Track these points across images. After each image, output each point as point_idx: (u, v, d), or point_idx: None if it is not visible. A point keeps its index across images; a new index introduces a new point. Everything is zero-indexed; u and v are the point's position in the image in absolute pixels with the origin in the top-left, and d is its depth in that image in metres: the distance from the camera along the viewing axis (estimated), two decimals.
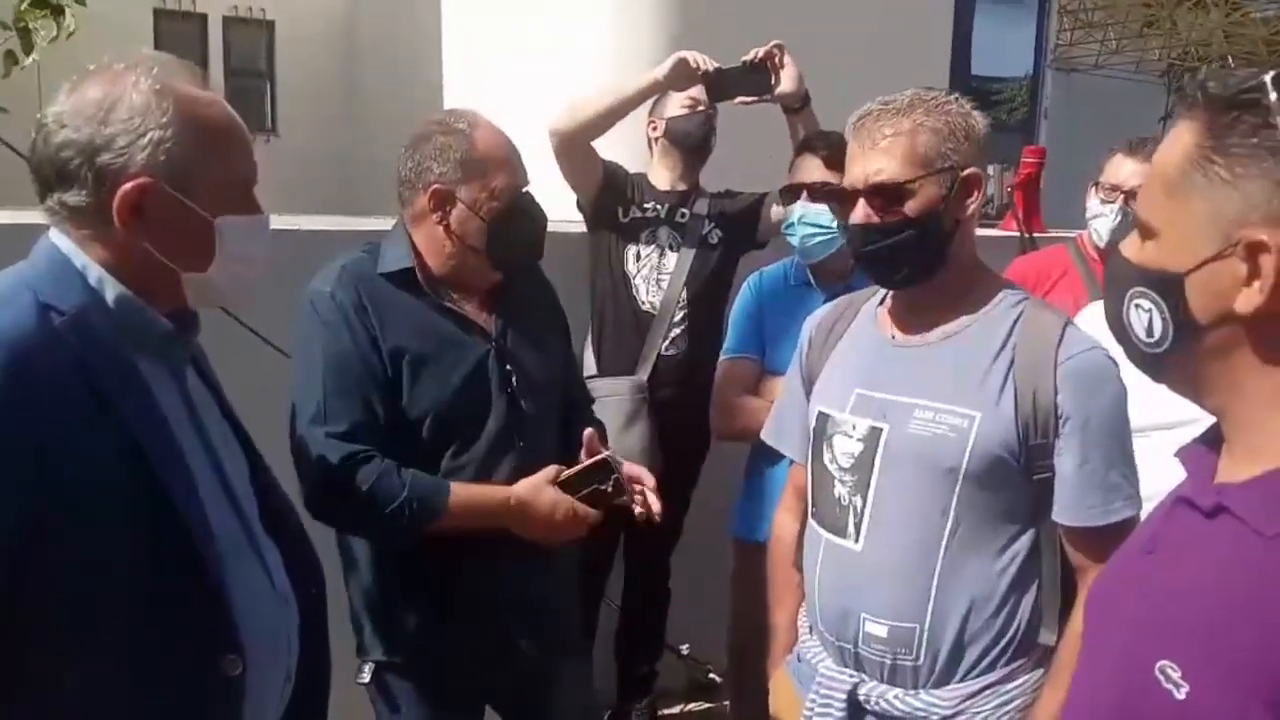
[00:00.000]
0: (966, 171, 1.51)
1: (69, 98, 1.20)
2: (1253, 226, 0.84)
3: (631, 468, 1.87)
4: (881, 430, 1.55)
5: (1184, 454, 0.99)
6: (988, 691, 1.52)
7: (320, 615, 1.43)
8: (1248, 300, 0.85)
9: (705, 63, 2.47)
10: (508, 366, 1.85)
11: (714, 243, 2.83)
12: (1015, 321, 1.54)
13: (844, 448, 1.59)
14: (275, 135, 11.60)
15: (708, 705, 3.25)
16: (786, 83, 2.52)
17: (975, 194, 1.53)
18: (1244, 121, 0.85)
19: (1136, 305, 0.93)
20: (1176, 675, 0.86)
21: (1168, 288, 0.90)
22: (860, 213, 1.54)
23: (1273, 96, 0.83)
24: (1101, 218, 2.73)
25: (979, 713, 1.52)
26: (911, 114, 1.51)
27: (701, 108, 2.78)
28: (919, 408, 1.52)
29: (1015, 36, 10.64)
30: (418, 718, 1.91)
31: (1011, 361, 1.50)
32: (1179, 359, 0.92)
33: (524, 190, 1.85)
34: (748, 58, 2.51)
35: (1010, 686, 1.52)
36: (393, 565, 1.86)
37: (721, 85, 2.50)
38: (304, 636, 1.37)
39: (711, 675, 3.35)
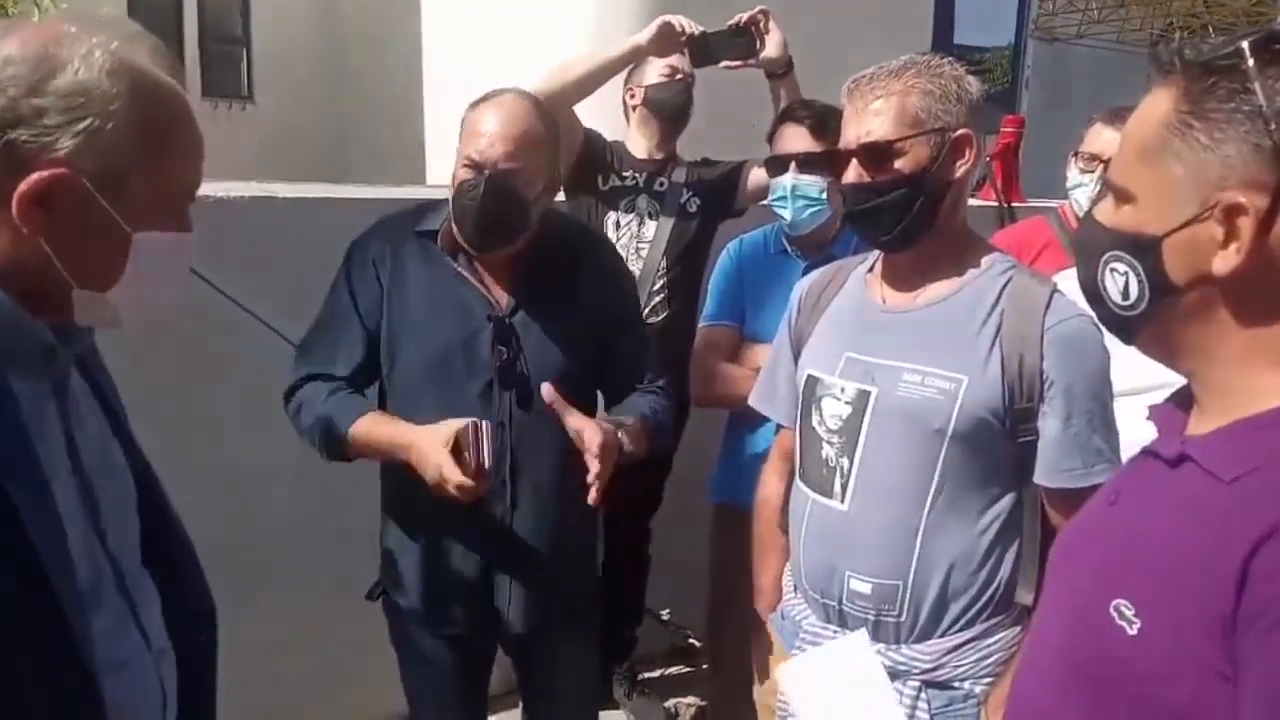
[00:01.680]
0: (958, 132, 1.52)
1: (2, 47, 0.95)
2: (1231, 190, 0.85)
3: (584, 431, 1.71)
4: (870, 393, 1.55)
5: (1155, 412, 1.01)
6: (967, 646, 1.56)
7: (207, 664, 1.26)
8: (1224, 261, 0.86)
9: (690, 26, 2.46)
10: (503, 345, 1.84)
11: (692, 211, 2.82)
12: (1003, 288, 1.54)
13: (832, 410, 1.62)
14: (252, 102, 11.46)
15: (687, 669, 3.29)
16: (771, 47, 2.52)
17: (967, 154, 1.55)
18: (1221, 86, 0.85)
19: (1112, 269, 0.94)
20: (1130, 613, 0.88)
21: (1145, 250, 0.90)
22: (852, 173, 1.57)
23: (1250, 61, 0.84)
24: (1081, 187, 2.75)
25: (959, 666, 1.56)
26: (903, 76, 1.53)
27: (680, 76, 2.77)
28: (907, 371, 1.54)
29: (998, 6, 10.62)
30: (420, 647, 1.98)
31: (999, 327, 1.52)
32: (1154, 321, 0.92)
33: (492, 169, 1.77)
34: (733, 21, 2.51)
35: (989, 641, 1.57)
36: (394, 496, 1.94)
37: (706, 48, 2.49)
38: (186, 687, 1.20)
39: (691, 640, 3.38)
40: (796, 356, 1.75)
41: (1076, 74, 12.55)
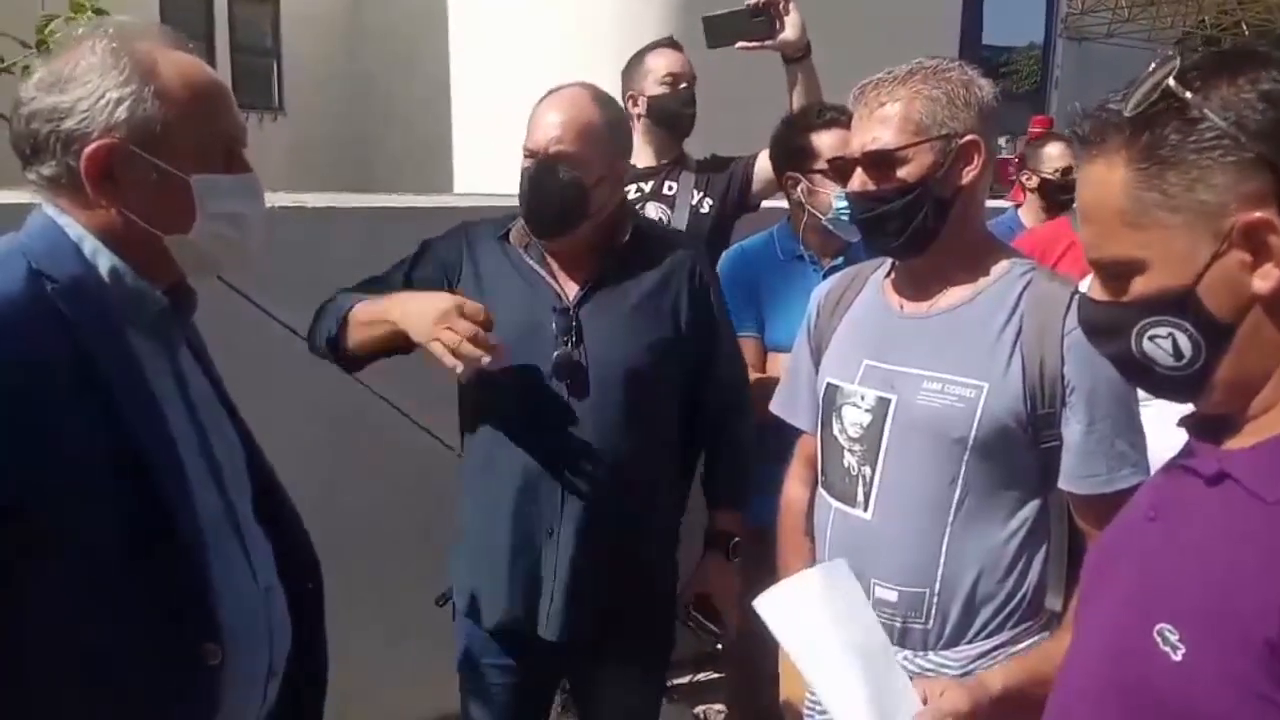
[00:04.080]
0: (964, 139, 1.50)
1: (39, 71, 1.18)
2: (1235, 212, 0.84)
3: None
4: (890, 401, 1.54)
5: (1186, 421, 0.99)
6: (996, 652, 1.54)
7: (315, 611, 1.39)
8: (1265, 279, 0.85)
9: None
10: (564, 336, 1.82)
11: (705, 212, 2.80)
12: (1022, 291, 1.52)
13: (853, 418, 1.60)
14: (282, 113, 11.59)
15: (716, 675, 3.28)
16: (789, 30, 2.46)
17: (974, 161, 1.53)
18: (1171, 129, 0.86)
19: (1153, 336, 0.91)
20: (1175, 638, 0.87)
21: (1182, 305, 0.88)
22: (857, 180, 1.57)
23: (1188, 95, 0.84)
24: None
25: (969, 681, 1.52)
26: (909, 82, 1.52)
27: (683, 84, 2.72)
28: (927, 379, 1.52)
29: (1026, 5, 10.55)
30: (483, 672, 1.97)
31: (1019, 331, 1.50)
32: (1221, 365, 0.90)
33: (541, 155, 1.81)
34: (751, 1, 2.46)
35: (1018, 648, 1.54)
36: (468, 507, 1.95)
37: (722, 29, 2.45)
38: (298, 632, 1.33)
39: (719, 645, 3.37)
40: (816, 363, 1.73)
41: (1106, 73, 12.42)
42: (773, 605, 1.50)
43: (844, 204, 2.24)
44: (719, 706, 3.13)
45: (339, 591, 2.41)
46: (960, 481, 1.50)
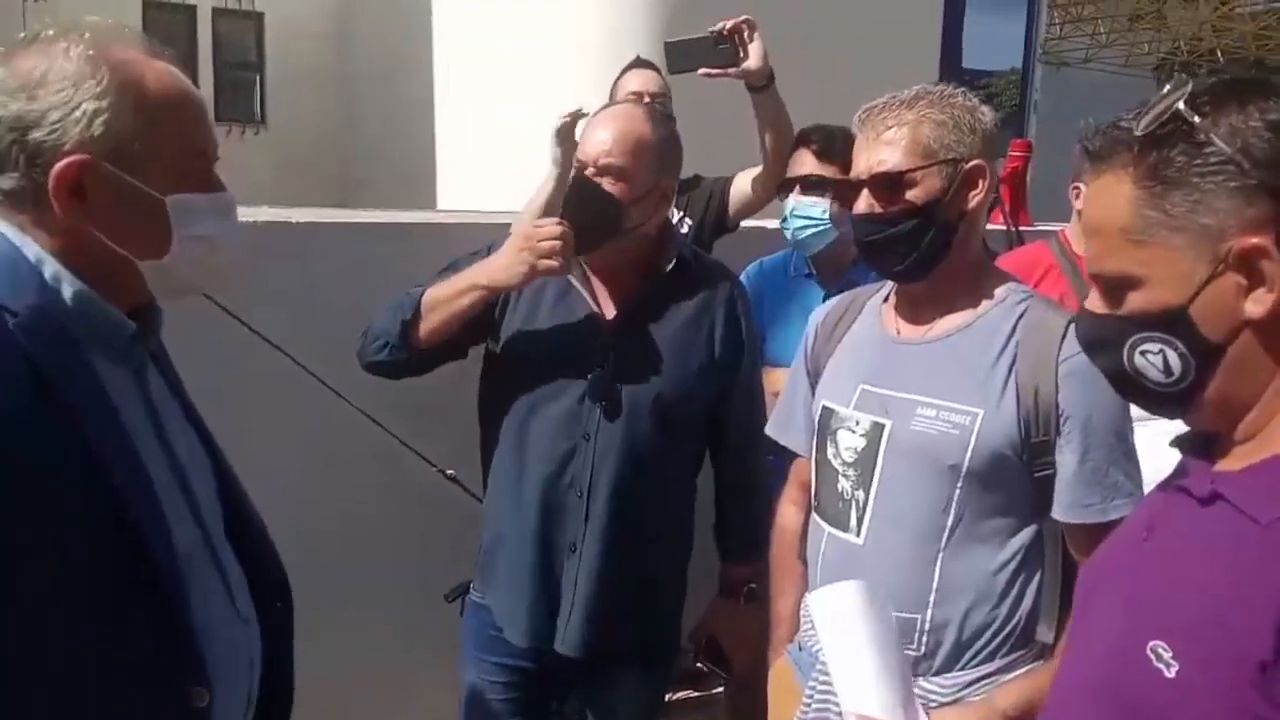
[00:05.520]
0: (970, 164, 1.51)
1: None
2: (1233, 237, 0.86)
3: None
4: (884, 426, 1.54)
5: (1180, 442, 1.01)
6: (985, 681, 1.53)
7: (285, 634, 1.34)
8: (1258, 304, 0.87)
9: (583, 109, 2.28)
10: (599, 357, 1.84)
11: (684, 231, 2.82)
12: (1019, 319, 1.52)
13: (847, 443, 1.59)
14: (265, 126, 11.57)
15: (696, 693, 3.27)
16: (752, 59, 2.47)
17: (980, 185, 1.52)
18: (1178, 151, 0.88)
19: (1144, 352, 0.93)
20: (1168, 655, 0.88)
21: (1174, 323, 0.90)
22: (863, 203, 1.57)
23: (1195, 119, 0.87)
24: None
25: (975, 700, 1.52)
26: (916, 106, 1.52)
27: (648, 99, 2.72)
28: (922, 405, 1.52)
29: (1005, 30, 10.68)
30: (487, 668, 1.97)
31: (1014, 359, 1.50)
32: (1208, 385, 0.91)
33: (593, 165, 1.83)
34: (715, 29, 2.47)
35: (1009, 677, 1.53)
36: (494, 519, 1.95)
37: (685, 55, 2.45)
38: (266, 657, 1.27)
39: (700, 665, 3.36)
40: (813, 385, 1.73)
41: (1084, 98, 12.59)
42: (824, 604, 1.46)
43: (796, 220, 2.29)
44: None
45: (328, 601, 2.41)
46: (953, 508, 1.50)
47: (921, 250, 1.53)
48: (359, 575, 2.48)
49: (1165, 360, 0.92)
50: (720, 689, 2.89)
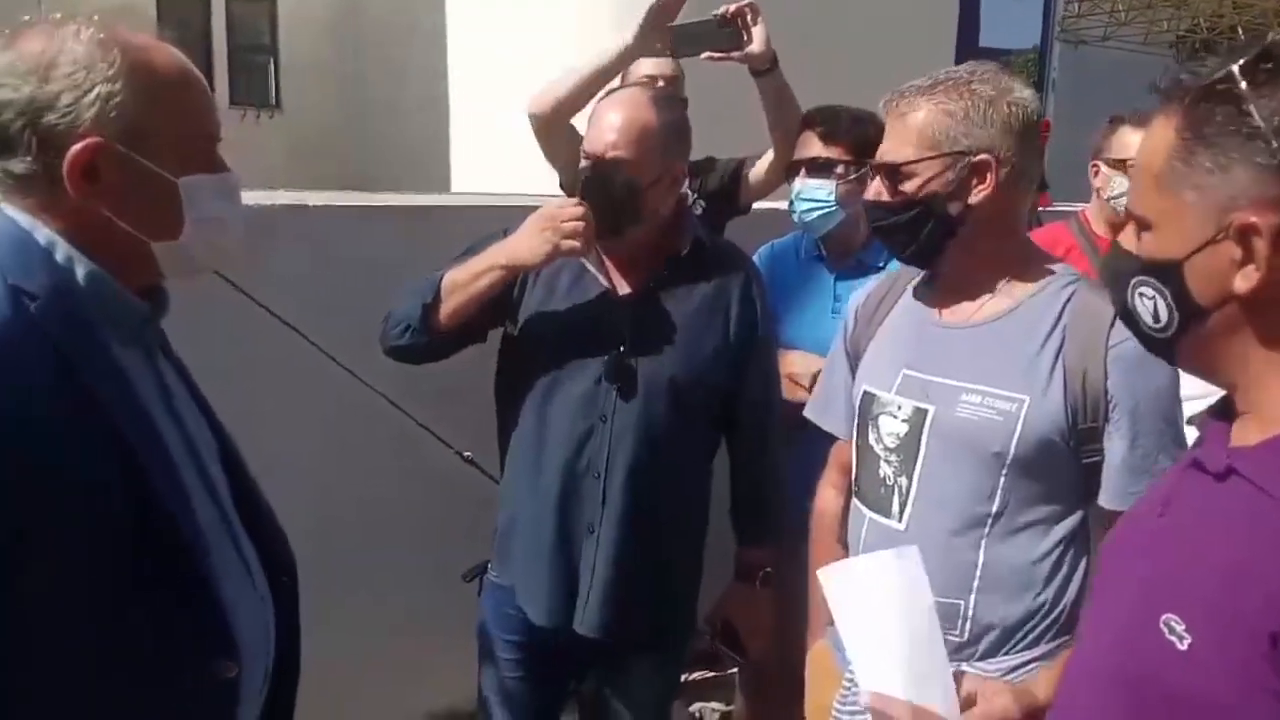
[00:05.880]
0: (977, 157, 1.48)
1: (3, 54, 1.05)
2: (1242, 210, 0.87)
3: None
4: (927, 412, 1.52)
5: (1198, 420, 1.02)
6: (1029, 667, 1.51)
7: (292, 609, 1.35)
8: (1245, 280, 0.88)
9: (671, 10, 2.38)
10: (614, 338, 1.85)
11: (697, 213, 2.82)
12: (1066, 303, 1.49)
13: (889, 428, 1.57)
14: (279, 110, 11.58)
15: (712, 674, 3.29)
16: (755, 43, 2.47)
17: (987, 180, 1.48)
18: (1219, 111, 0.88)
19: (1140, 294, 0.96)
20: (1180, 628, 0.88)
21: (1168, 275, 0.93)
22: (872, 189, 1.57)
23: (1243, 84, 0.86)
24: (1122, 195, 2.72)
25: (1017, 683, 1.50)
26: (933, 94, 1.50)
27: (661, 83, 2.73)
28: (966, 391, 1.50)
29: (1023, 8, 10.57)
30: (503, 647, 1.99)
31: (1061, 344, 1.47)
32: (1187, 341, 0.94)
33: (598, 157, 1.83)
34: (719, 11, 2.47)
35: (1055, 663, 1.49)
36: (513, 501, 1.97)
37: (689, 38, 2.45)
38: (278, 631, 1.29)
39: (715, 645, 3.38)
40: (853, 369, 1.72)
41: (1102, 77, 12.46)
42: (834, 578, 1.44)
43: (802, 203, 2.28)
44: (714, 705, 3.14)
45: (344, 582, 2.43)
46: (998, 495, 1.48)
47: (920, 241, 1.53)
48: (375, 557, 2.51)
49: (1155, 306, 0.95)
50: (735, 670, 2.90)
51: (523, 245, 1.80)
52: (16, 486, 0.97)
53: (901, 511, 1.55)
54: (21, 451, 0.97)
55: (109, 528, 1.03)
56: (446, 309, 1.84)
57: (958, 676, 1.37)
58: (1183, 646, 0.88)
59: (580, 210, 1.78)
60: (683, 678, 3.23)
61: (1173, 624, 0.89)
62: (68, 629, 1.02)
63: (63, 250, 1.08)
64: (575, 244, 1.77)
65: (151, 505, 1.05)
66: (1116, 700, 0.96)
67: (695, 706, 3.15)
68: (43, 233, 1.07)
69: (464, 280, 1.83)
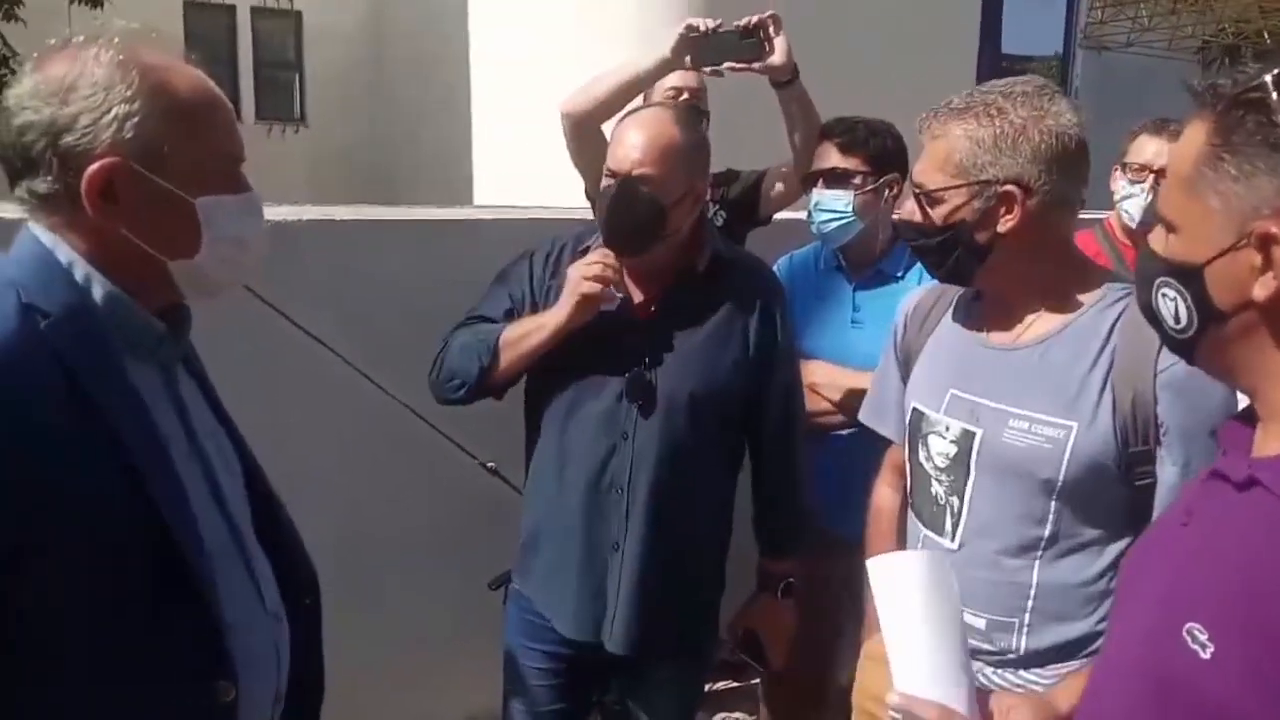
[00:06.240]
0: (1004, 187, 1.45)
1: (29, 77, 1.08)
2: (1264, 219, 0.87)
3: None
4: (975, 434, 1.52)
5: (1221, 431, 1.03)
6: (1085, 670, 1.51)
7: (314, 629, 1.35)
8: (1264, 288, 0.89)
9: (705, 24, 2.42)
10: (635, 355, 1.87)
11: (719, 225, 2.83)
12: (1116, 320, 1.46)
13: (938, 448, 1.58)
14: (304, 125, 11.71)
15: (735, 684, 3.28)
16: (776, 54, 2.48)
17: (1014, 211, 1.45)
18: (1249, 119, 0.88)
19: (1163, 294, 0.98)
20: (1204, 637, 0.88)
21: (1189, 278, 0.94)
22: (906, 207, 1.56)
23: (1274, 96, 0.87)
24: (1132, 198, 2.73)
25: (1039, 691, 1.51)
26: (964, 117, 1.46)
27: (685, 96, 2.74)
28: (1014, 416, 1.49)
29: (1045, 15, 10.51)
30: (530, 656, 2.01)
31: (1110, 366, 1.45)
32: (1207, 343, 0.96)
33: (623, 175, 1.84)
34: (742, 23, 2.48)
35: (1076, 673, 1.48)
36: (537, 518, 1.99)
37: (711, 48, 2.46)
38: (295, 652, 1.29)
39: (740, 655, 3.37)
40: (904, 375, 1.72)
41: (1127, 83, 12.37)
42: (882, 570, 1.43)
43: (821, 214, 2.29)
44: (738, 715, 3.13)
45: (370, 591, 2.45)
46: (1050, 520, 1.48)
47: (948, 267, 1.52)
48: (400, 567, 2.52)
49: (1176, 308, 0.97)
50: (758, 680, 2.90)
51: (561, 311, 1.84)
52: (16, 489, 0.98)
53: (954, 532, 1.55)
54: (19, 457, 0.98)
55: (109, 541, 1.04)
56: (501, 367, 1.89)
57: (982, 696, 1.37)
58: (1205, 655, 0.88)
59: (595, 260, 1.83)
60: (706, 687, 3.23)
61: (1195, 632, 0.89)
62: (64, 640, 1.03)
63: (81, 269, 1.10)
64: (595, 287, 1.81)
65: (155, 523, 1.06)
66: (1141, 708, 0.96)
67: (719, 717, 3.15)
68: (64, 251, 1.10)
69: (514, 339, 1.88)
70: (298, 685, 1.31)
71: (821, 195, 2.31)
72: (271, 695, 1.24)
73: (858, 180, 2.24)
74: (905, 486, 1.71)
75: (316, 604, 1.37)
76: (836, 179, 2.28)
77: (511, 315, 1.95)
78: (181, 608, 1.09)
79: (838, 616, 2.20)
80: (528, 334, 1.87)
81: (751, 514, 2.06)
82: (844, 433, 2.16)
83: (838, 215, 2.30)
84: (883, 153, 2.26)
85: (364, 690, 2.04)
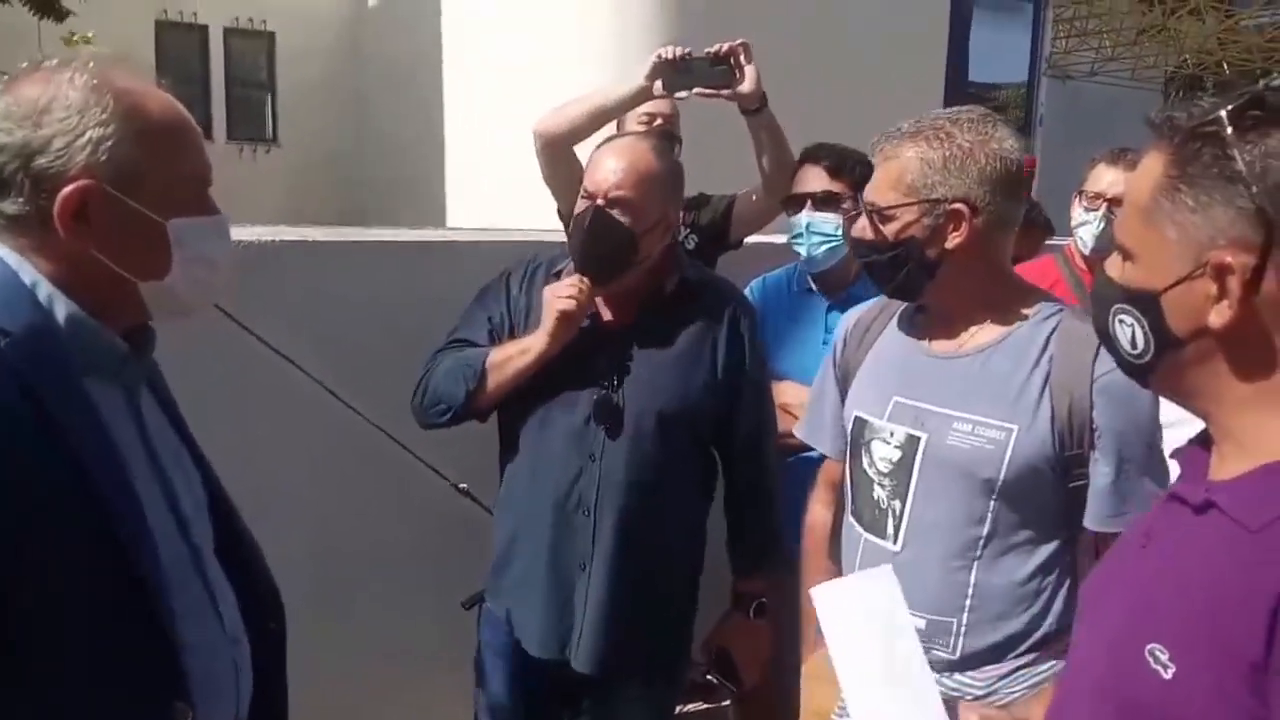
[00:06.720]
0: (952, 205, 1.52)
1: (1, 100, 1.09)
2: (1219, 249, 0.89)
3: None
4: (920, 439, 1.58)
5: (1179, 454, 1.05)
6: (1020, 672, 1.57)
7: (278, 653, 1.34)
8: (1219, 316, 0.92)
9: (676, 51, 2.45)
10: (603, 377, 1.89)
11: (690, 249, 2.85)
12: (1051, 333, 1.55)
13: (882, 453, 1.63)
14: (276, 145, 11.65)
15: (706, 705, 3.28)
16: (746, 82, 2.52)
17: (961, 228, 1.53)
18: (1205, 152, 0.91)
19: (1120, 320, 1.00)
20: (1165, 657, 0.90)
21: (1146, 305, 0.96)
22: (859, 225, 1.63)
23: (1229, 130, 0.90)
24: (1086, 225, 2.80)
25: (1012, 693, 1.57)
26: (915, 139, 1.54)
27: (659, 122, 2.76)
28: (957, 420, 1.55)
29: (1011, 43, 10.68)
30: (502, 673, 2.01)
31: (1048, 373, 1.53)
32: (1162, 368, 0.98)
33: (600, 196, 1.87)
34: (712, 49, 2.51)
35: (1043, 667, 1.57)
36: (506, 536, 2.01)
37: (681, 75, 2.48)
38: (259, 675, 1.28)
39: (709, 676, 3.37)
40: (842, 391, 1.77)
41: (1093, 112, 12.58)
42: (827, 597, 1.48)
43: (814, 236, 2.32)
44: None
45: (340, 611, 2.43)
46: (988, 519, 1.54)
47: (898, 282, 1.59)
48: (370, 587, 2.51)
49: (1133, 334, 0.99)
50: (729, 702, 2.90)
51: (544, 334, 1.87)
52: None
53: (897, 534, 1.61)
54: None
55: (68, 565, 1.03)
56: (487, 392, 1.91)
57: (951, 706, 1.39)
58: (1167, 675, 0.90)
59: (568, 284, 1.86)
60: (677, 709, 3.23)
61: (1157, 653, 0.91)
62: (19, 662, 1.02)
63: (45, 290, 1.10)
64: (572, 304, 1.84)
65: (113, 544, 1.06)
66: None
67: None
68: (28, 272, 1.10)
69: (499, 362, 1.90)
70: (260, 711, 1.29)
71: (812, 218, 2.34)
72: (230, 718, 1.24)
73: (847, 204, 2.27)
74: (839, 500, 1.75)
75: (281, 629, 1.36)
76: (826, 202, 2.32)
77: (492, 336, 1.96)
78: (137, 628, 1.08)
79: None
80: (511, 358, 1.89)
81: (724, 533, 2.08)
82: (814, 454, 2.19)
83: (828, 238, 2.33)
84: (864, 180, 2.31)
85: (334, 707, 2.03)
